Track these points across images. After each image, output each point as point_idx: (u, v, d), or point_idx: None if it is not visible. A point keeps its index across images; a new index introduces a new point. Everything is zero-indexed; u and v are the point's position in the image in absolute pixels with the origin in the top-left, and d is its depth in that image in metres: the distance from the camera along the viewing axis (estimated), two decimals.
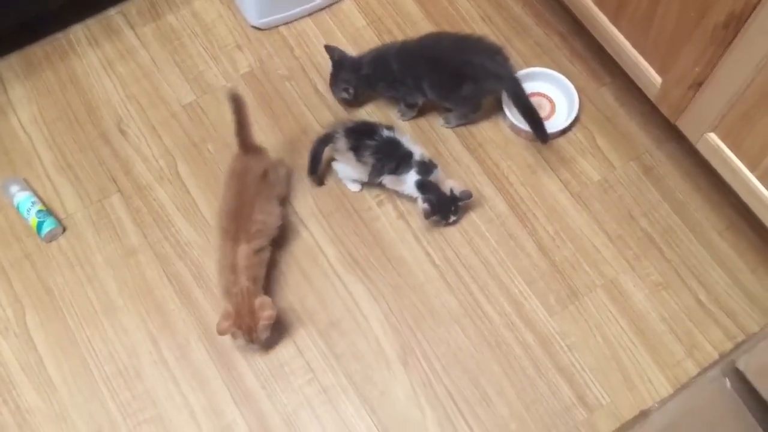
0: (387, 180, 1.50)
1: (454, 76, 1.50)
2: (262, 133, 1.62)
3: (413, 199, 1.50)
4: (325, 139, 1.50)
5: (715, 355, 1.39)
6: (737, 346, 1.34)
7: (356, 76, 1.57)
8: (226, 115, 1.64)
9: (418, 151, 1.47)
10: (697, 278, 1.47)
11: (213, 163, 1.60)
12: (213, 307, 1.46)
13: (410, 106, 1.61)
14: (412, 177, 1.46)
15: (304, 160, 1.58)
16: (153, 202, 1.56)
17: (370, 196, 1.56)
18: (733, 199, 1.47)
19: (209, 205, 1.56)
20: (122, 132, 1.63)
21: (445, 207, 1.46)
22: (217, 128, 1.64)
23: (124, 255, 1.51)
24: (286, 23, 1.76)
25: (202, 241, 1.52)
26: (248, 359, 1.41)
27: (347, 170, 1.53)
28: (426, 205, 1.44)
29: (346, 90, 1.59)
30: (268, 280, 1.43)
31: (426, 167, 1.46)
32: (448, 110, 1.62)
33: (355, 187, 1.56)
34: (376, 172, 1.48)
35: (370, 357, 1.42)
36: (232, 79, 1.69)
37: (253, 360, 1.41)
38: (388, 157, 1.46)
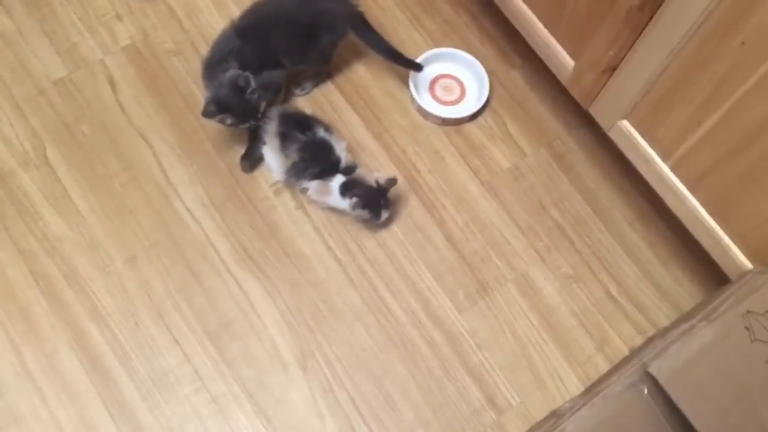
0: (312, 188, 1.35)
1: (310, 31, 1.39)
2: (146, 114, 1.46)
3: (339, 212, 1.39)
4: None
5: (625, 351, 1.36)
6: (647, 341, 1.31)
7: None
8: (104, 92, 1.47)
9: (344, 157, 1.35)
10: (608, 271, 1.42)
11: (88, 147, 1.42)
12: (86, 310, 1.30)
13: (278, 92, 1.46)
14: (338, 182, 1.34)
15: (192, 144, 1.43)
16: (16, 190, 1.38)
17: (267, 185, 1.43)
18: (643, 188, 1.43)
19: (83, 194, 1.38)
20: None
21: (374, 201, 1.33)
22: (93, 107, 1.46)
23: None
24: None
25: (74, 235, 1.35)
26: (127, 368, 1.27)
27: (270, 158, 1.38)
28: (355, 200, 1.31)
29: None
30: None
31: (348, 170, 1.35)
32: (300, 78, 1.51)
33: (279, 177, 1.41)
34: (297, 171, 1.34)
35: (266, 361, 1.30)
36: (111, 52, 1.51)
37: (133, 368, 1.27)
38: (315, 159, 1.33)
